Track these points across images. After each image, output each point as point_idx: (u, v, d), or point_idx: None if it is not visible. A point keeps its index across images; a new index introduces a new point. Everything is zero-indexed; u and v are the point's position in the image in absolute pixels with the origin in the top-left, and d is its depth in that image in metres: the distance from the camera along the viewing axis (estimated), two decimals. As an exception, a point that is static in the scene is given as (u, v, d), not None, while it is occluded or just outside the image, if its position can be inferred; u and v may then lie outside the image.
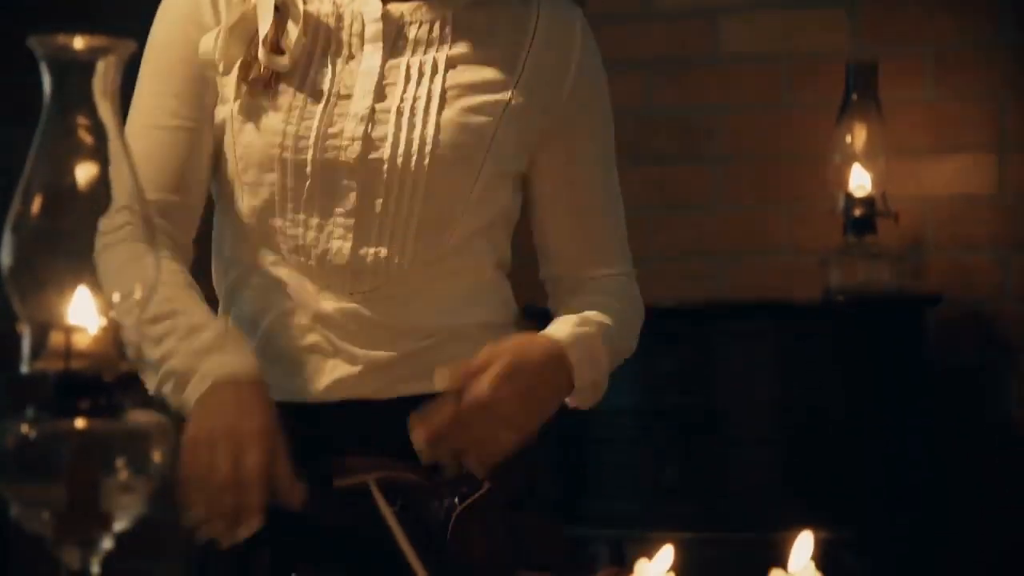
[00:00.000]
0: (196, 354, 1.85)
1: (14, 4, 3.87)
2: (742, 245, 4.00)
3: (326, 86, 1.93)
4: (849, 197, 3.72)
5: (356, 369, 1.94)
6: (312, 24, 1.94)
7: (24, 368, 1.15)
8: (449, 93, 1.93)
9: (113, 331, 1.17)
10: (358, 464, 1.92)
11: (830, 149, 3.76)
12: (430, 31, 1.95)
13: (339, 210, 1.93)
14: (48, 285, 1.16)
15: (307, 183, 1.91)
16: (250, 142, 1.93)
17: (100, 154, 1.21)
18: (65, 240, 1.18)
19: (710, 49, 4.02)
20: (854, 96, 3.74)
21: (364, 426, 1.93)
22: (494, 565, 1.91)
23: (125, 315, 1.19)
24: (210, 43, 1.93)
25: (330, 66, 1.94)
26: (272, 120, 1.92)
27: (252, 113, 1.93)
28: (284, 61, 1.92)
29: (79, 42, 1.19)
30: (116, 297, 1.19)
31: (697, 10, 4.02)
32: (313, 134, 1.91)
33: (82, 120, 1.22)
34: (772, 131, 3.98)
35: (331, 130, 1.91)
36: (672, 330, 3.57)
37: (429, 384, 1.85)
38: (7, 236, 1.16)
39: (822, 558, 1.38)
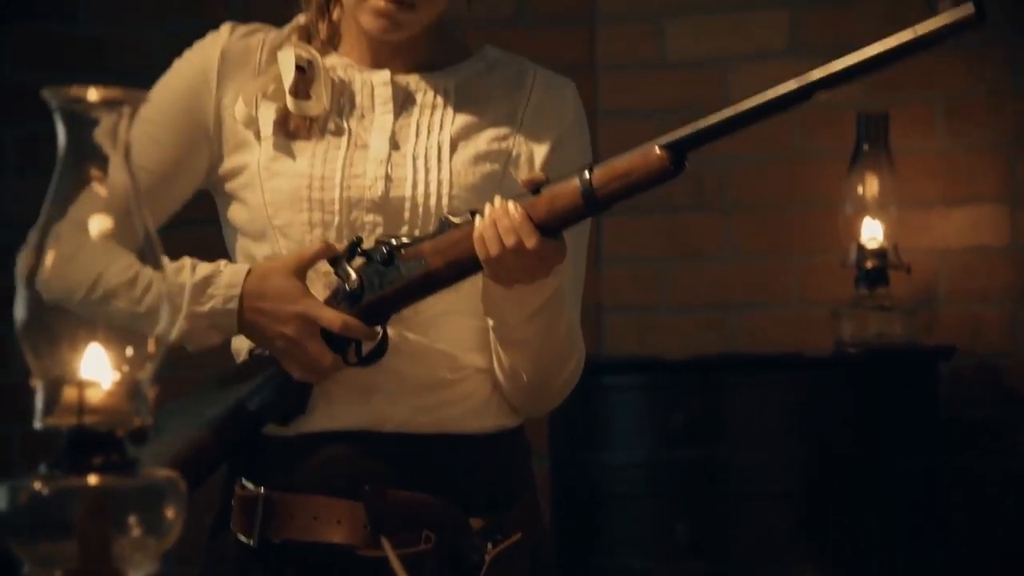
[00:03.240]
0: (204, 282, 2.00)
1: (28, 53, 3.88)
2: (753, 296, 3.99)
3: (344, 138, 2.07)
4: (861, 249, 3.71)
5: (386, 394, 2.03)
6: (331, 83, 2.09)
7: (37, 424, 1.14)
8: (458, 145, 2.07)
9: (127, 385, 1.16)
10: (398, 498, 1.99)
11: (841, 199, 3.75)
12: (435, 97, 2.09)
13: (366, 246, 2.03)
14: (61, 339, 1.15)
15: (335, 220, 2.03)
16: (278, 187, 2.05)
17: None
18: (79, 294, 1.17)
19: (721, 98, 4.00)
20: (865, 146, 3.73)
21: (399, 459, 2.02)
22: None
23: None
24: (243, 111, 2.07)
25: (346, 123, 2.07)
26: (298, 165, 2.05)
27: (279, 161, 2.05)
28: (314, 105, 2.06)
29: (92, 93, 1.18)
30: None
31: (708, 60, 4.02)
32: (338, 174, 2.04)
33: (96, 172, 1.20)
34: (783, 180, 3.98)
35: (354, 171, 2.04)
36: (682, 383, 3.55)
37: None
38: (20, 291, 1.15)
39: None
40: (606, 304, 3.99)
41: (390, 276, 1.98)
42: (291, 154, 2.05)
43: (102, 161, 1.20)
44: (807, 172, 3.96)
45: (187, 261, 2.02)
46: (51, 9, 3.89)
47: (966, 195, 3.86)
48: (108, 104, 1.19)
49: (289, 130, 2.05)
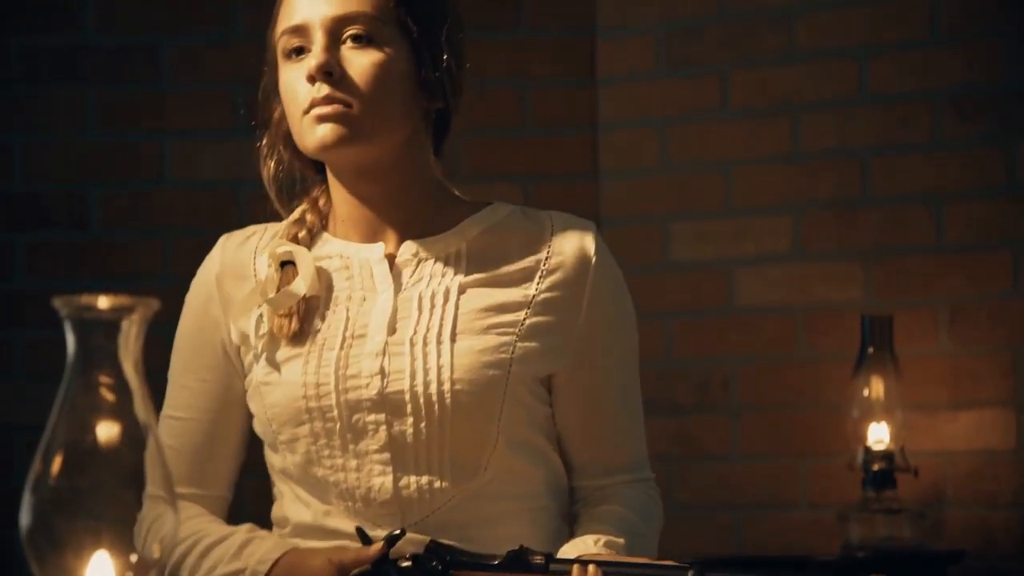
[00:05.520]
0: (235, 556, 1.95)
1: (38, 260, 3.92)
2: (760, 498, 3.97)
3: (340, 331, 1.97)
4: (868, 451, 3.70)
5: None
6: (324, 276, 2.01)
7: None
8: (463, 318, 1.96)
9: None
10: None
11: (847, 402, 3.75)
12: (445, 263, 1.99)
13: (372, 447, 1.95)
14: (66, 546, 1.15)
15: (337, 427, 1.95)
16: (275, 402, 1.98)
17: (122, 413, 1.21)
18: (85, 500, 1.17)
19: (725, 301, 4.04)
20: (870, 350, 3.74)
21: None
22: None
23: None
24: (236, 331, 2.03)
25: (344, 312, 1.98)
26: (291, 374, 1.97)
27: (273, 374, 1.99)
28: (286, 297, 1.98)
29: (102, 302, 1.19)
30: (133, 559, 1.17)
31: (713, 262, 4.05)
32: (332, 379, 1.95)
33: (104, 378, 1.21)
34: (789, 383, 3.98)
35: (349, 372, 1.95)
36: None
37: None
38: (26, 496, 1.15)
39: None
40: (613, 506, 3.97)
41: None
42: (284, 364, 1.97)
43: (110, 368, 1.21)
44: (813, 375, 3.96)
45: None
46: (62, 217, 3.93)
47: (971, 399, 3.86)
48: (117, 312, 1.20)
49: (275, 335, 1.98)
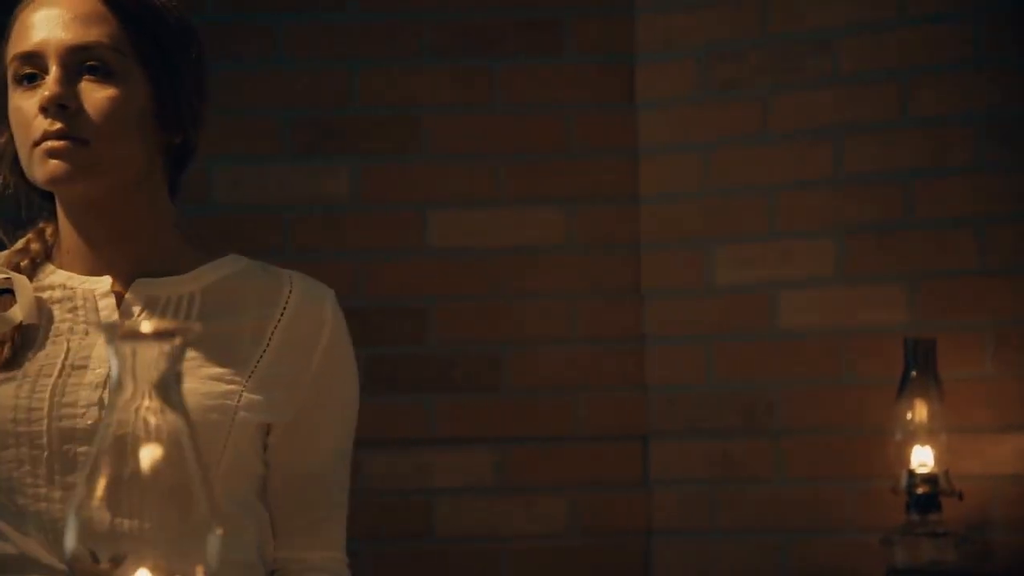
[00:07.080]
0: None
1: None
2: (804, 522, 3.96)
3: (59, 360, 1.91)
4: (912, 475, 3.69)
5: None
6: (45, 307, 1.95)
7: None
8: (189, 363, 1.90)
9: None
10: None
11: (891, 425, 3.74)
12: (176, 307, 1.96)
13: (81, 480, 1.90)
14: (107, 570, 1.16)
15: (44, 455, 1.88)
16: None
17: (163, 435, 1.22)
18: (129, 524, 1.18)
19: (769, 324, 4.03)
20: (914, 373, 3.74)
21: None
22: None
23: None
24: None
25: (65, 343, 1.92)
26: (2, 397, 1.90)
27: None
28: (12, 319, 1.90)
29: (145, 326, 1.21)
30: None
31: (756, 286, 4.05)
32: (46, 405, 1.89)
33: (147, 402, 1.23)
34: (832, 406, 3.97)
35: (65, 399, 1.89)
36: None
37: None
38: (71, 520, 1.17)
39: None
40: (656, 528, 3.96)
41: None
42: None
43: (152, 391, 1.22)
44: (856, 398, 3.95)
45: None
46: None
47: (1016, 422, 3.84)
48: (159, 336, 1.21)
49: None
